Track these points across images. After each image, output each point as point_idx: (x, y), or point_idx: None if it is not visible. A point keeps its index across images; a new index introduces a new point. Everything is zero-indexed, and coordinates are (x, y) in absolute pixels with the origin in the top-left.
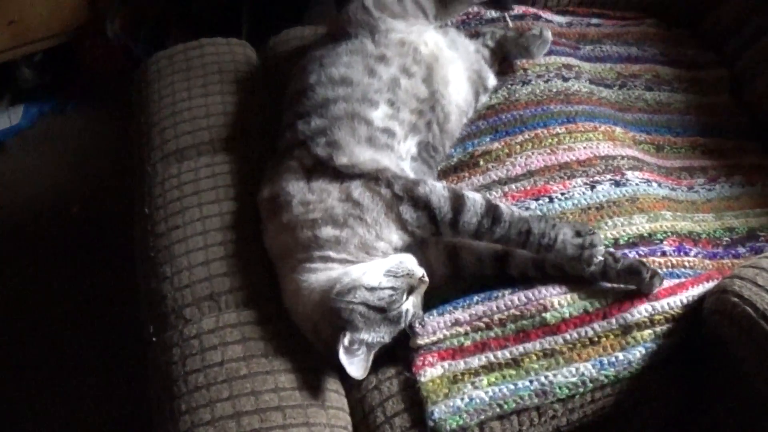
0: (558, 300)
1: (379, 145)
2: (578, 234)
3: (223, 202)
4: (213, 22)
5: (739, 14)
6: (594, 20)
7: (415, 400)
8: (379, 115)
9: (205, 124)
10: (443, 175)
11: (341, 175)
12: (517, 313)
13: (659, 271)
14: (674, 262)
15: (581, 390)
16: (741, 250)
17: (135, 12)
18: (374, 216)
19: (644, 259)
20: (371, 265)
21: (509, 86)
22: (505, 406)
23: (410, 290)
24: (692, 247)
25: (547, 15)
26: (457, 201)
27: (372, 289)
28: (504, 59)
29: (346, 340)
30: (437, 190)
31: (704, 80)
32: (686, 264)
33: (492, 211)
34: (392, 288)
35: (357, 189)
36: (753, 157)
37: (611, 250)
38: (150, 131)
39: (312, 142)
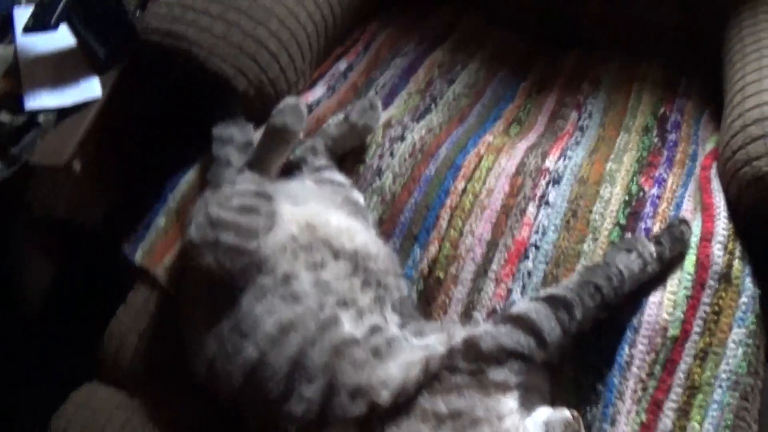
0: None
1: (386, 349)
2: (628, 250)
3: None
4: None
5: None
6: (341, 66)
7: None
8: (349, 326)
9: None
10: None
11: (399, 408)
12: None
13: (671, 212)
14: (669, 196)
15: None
16: (670, 136)
17: None
18: (481, 406)
19: (658, 212)
20: None
21: (371, 187)
22: None
23: None
24: (656, 170)
25: (308, 98)
26: (523, 322)
27: None
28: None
29: None
30: (493, 330)
31: (456, 34)
32: (675, 188)
33: (556, 301)
34: None
35: (434, 403)
36: (545, 59)
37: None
38: None
39: (337, 410)
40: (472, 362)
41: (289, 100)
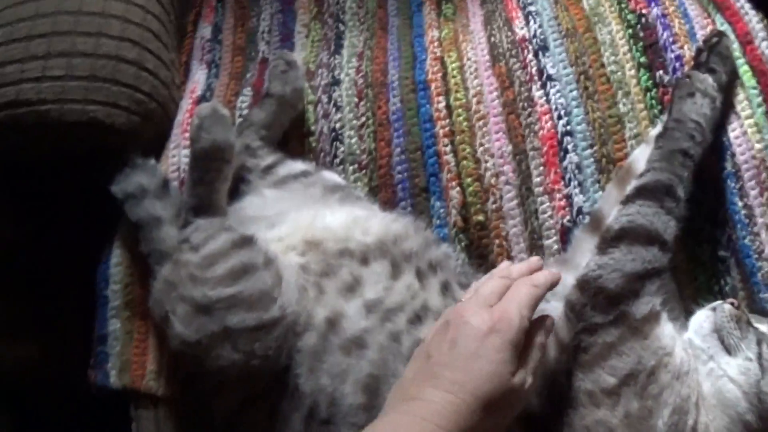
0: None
1: None
2: (690, 95)
3: None
4: None
5: None
6: (205, 32)
7: None
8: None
9: None
10: None
11: (558, 405)
12: None
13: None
14: (674, 10)
15: None
16: None
17: None
18: (647, 354)
19: (677, 33)
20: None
21: (337, 158)
22: None
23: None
24: None
25: (195, 89)
26: (635, 234)
27: None
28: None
29: None
30: (608, 261)
31: None
32: None
33: (653, 191)
34: None
35: (597, 380)
36: None
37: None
38: None
39: None
40: (608, 310)
41: (202, 111)
